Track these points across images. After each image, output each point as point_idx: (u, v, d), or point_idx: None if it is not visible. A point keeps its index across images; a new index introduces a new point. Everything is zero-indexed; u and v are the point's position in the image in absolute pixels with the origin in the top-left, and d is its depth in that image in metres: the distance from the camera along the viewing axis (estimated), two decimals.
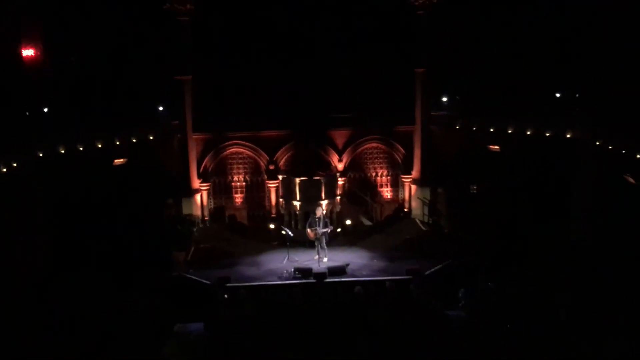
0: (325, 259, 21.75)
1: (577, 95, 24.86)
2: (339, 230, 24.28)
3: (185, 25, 25.18)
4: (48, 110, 23.70)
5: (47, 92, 24.77)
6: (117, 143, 24.41)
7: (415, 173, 27.08)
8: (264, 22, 26.29)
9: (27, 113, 23.65)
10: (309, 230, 21.93)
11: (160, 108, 25.86)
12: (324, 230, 21.75)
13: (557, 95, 24.78)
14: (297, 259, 22.04)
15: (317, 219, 21.82)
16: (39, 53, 24.95)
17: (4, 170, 20.83)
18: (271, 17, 26.28)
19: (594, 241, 22.07)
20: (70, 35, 25.73)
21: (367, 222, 26.55)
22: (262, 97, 26.13)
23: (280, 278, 20.61)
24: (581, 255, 21.70)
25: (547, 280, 19.58)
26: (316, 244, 21.80)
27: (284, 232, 22.83)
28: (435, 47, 25.76)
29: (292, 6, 26.22)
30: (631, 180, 21.34)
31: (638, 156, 21.11)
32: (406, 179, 27.32)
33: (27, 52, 24.67)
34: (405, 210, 27.27)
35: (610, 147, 21.96)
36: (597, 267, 20.36)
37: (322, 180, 24.56)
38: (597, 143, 22.41)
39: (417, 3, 25.10)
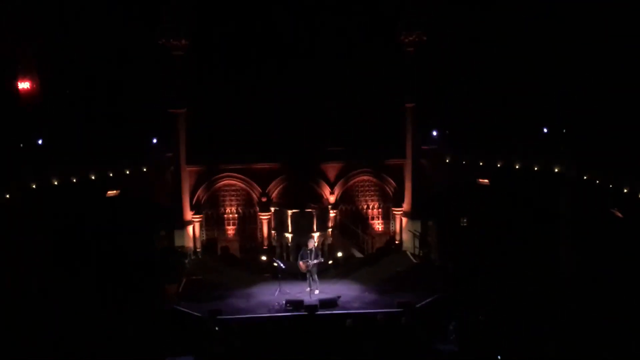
0: (316, 291, 21.84)
1: (564, 130, 25.41)
2: (330, 262, 24.42)
3: (180, 59, 25.66)
4: (42, 142, 23.91)
5: (41, 124, 25.05)
6: (110, 175, 24.58)
7: (406, 206, 27.39)
8: (257, 57, 26.79)
9: (22, 145, 23.83)
10: (301, 262, 22.07)
11: (154, 140, 26.12)
12: (315, 261, 21.90)
13: (545, 130, 25.32)
14: (288, 291, 22.11)
15: (308, 251, 21.98)
16: (34, 86, 25.28)
17: None
18: (264, 53, 26.77)
19: (581, 274, 22.36)
20: (65, 67, 26.09)
21: (358, 255, 26.73)
22: (255, 130, 26.51)
23: (271, 310, 20.68)
24: (568, 287, 21.96)
25: (536, 313, 19.78)
26: (308, 276, 21.92)
27: (275, 264, 22.95)
28: (424, 83, 26.36)
29: (285, 42, 26.75)
30: (619, 214, 21.69)
31: (625, 190, 21.48)
32: (397, 212, 27.60)
33: (23, 85, 24.99)
34: (397, 242, 27.49)
35: (597, 182, 22.38)
36: (584, 299, 20.60)
37: (314, 213, 24.79)
38: (585, 177, 22.83)
39: (406, 40, 25.74)
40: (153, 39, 25.18)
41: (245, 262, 25.87)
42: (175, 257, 25.15)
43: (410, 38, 25.73)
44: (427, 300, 21.05)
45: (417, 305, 20.65)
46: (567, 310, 20.13)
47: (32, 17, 25.11)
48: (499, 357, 17.22)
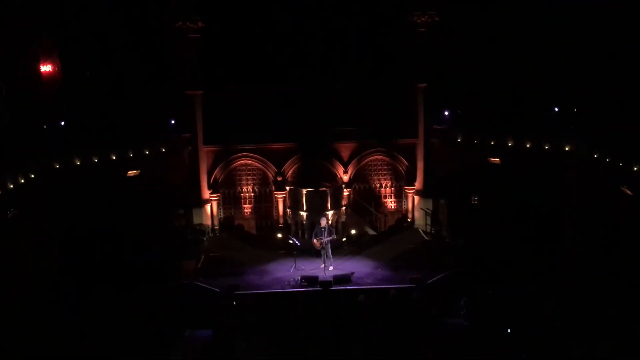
0: (330, 268, 22.55)
1: (574, 109, 25.57)
2: (344, 239, 25.07)
3: (196, 42, 26.20)
4: (64, 123, 24.61)
5: (64, 106, 25.72)
6: (131, 155, 25.27)
7: (418, 184, 27.90)
8: (271, 38, 27.14)
9: (45, 126, 24.54)
10: (314, 240, 22.71)
11: (172, 121, 26.75)
12: (329, 238, 22.54)
13: (556, 109, 25.52)
14: (303, 267, 22.84)
15: (322, 229, 22.61)
16: (56, 69, 25.90)
17: (22, 181, 21.67)
18: (278, 34, 27.12)
19: (589, 251, 22.80)
20: (85, 51, 26.64)
21: (371, 232, 27.35)
22: (270, 111, 26.98)
23: (287, 286, 21.41)
24: (577, 265, 22.46)
25: (543, 288, 20.30)
26: (322, 253, 22.58)
27: (291, 242, 23.64)
28: (436, 63, 26.67)
29: (300, 24, 27.06)
30: (628, 192, 21.97)
31: (635, 169, 21.70)
32: (409, 190, 28.13)
33: (45, 68, 25.62)
34: (409, 220, 28.05)
35: (607, 160, 22.60)
36: (591, 275, 21.10)
37: (328, 192, 25.39)
38: (595, 156, 23.07)
39: (418, 21, 26.07)
40: (170, 22, 25.75)
41: (261, 239, 26.58)
42: (194, 234, 25.96)
43: (422, 19, 26.07)
44: (438, 277, 21.68)
45: (428, 281, 21.31)
46: (575, 286, 20.66)
47: (52, 3, 25.61)
48: (508, 331, 17.79)
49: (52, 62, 25.77)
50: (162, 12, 26.03)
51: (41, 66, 25.58)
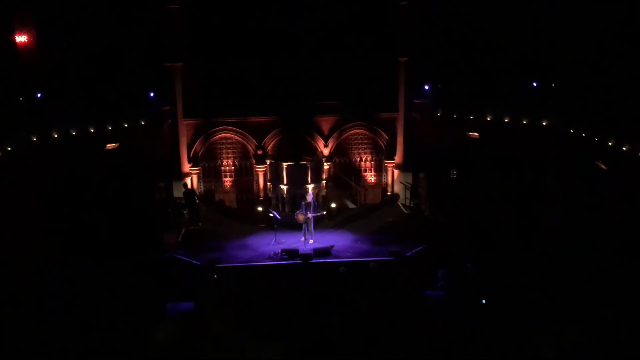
0: (311, 241, 22.76)
1: (552, 85, 25.82)
2: (324, 212, 25.27)
3: (176, 13, 25.86)
4: (41, 95, 24.20)
5: (40, 78, 25.25)
6: (109, 128, 25.00)
7: (397, 158, 28.12)
8: (252, 12, 26.83)
9: (21, 98, 24.11)
10: (298, 214, 22.82)
11: (152, 94, 26.47)
12: (315, 214, 22.72)
13: (534, 84, 25.74)
14: (284, 240, 23.03)
15: (307, 204, 22.75)
16: (31, 39, 25.35)
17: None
18: (259, 8, 26.80)
19: (566, 225, 23.28)
20: (61, 21, 26.09)
21: (351, 206, 27.57)
22: (251, 84, 26.87)
23: (268, 259, 21.60)
24: (553, 239, 22.92)
25: (520, 262, 20.74)
26: (303, 227, 22.75)
27: (271, 215, 23.76)
28: (417, 37, 26.66)
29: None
30: (603, 167, 22.39)
31: (610, 144, 22.09)
32: (389, 164, 28.33)
33: (20, 39, 25.08)
34: (389, 194, 28.30)
35: (583, 135, 22.97)
36: (568, 251, 21.57)
37: (309, 165, 25.48)
38: (571, 131, 23.42)
39: None
40: None
41: (242, 213, 26.65)
42: (175, 208, 25.92)
43: None
44: (417, 249, 22.00)
45: (407, 254, 21.62)
46: (551, 261, 21.12)
47: None
48: (483, 302, 18.23)
49: (27, 32, 25.22)
50: None
51: (16, 37, 25.03)
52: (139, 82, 26.19)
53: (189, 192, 25.54)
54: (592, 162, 22.70)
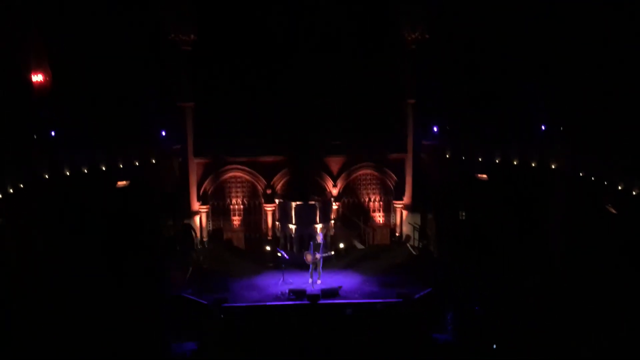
0: (319, 281, 22.65)
1: (561, 128, 25.98)
2: (332, 253, 25.19)
3: (188, 54, 26.38)
4: (55, 133, 24.61)
5: (54, 116, 25.71)
6: (120, 166, 25.30)
7: (406, 199, 28.15)
8: (262, 52, 27.35)
9: (35, 136, 24.53)
10: (307, 254, 22.74)
11: (163, 133, 26.85)
12: (324, 255, 22.69)
13: (543, 127, 25.93)
14: (291, 281, 22.92)
15: (318, 244, 22.71)
16: (47, 78, 25.92)
17: (11, 190, 21.62)
18: (269, 48, 27.34)
19: (575, 268, 23.06)
20: (77, 61, 26.66)
21: (360, 246, 27.49)
22: (261, 124, 27.22)
23: (275, 299, 21.47)
24: (562, 281, 22.68)
25: (530, 305, 20.51)
26: (311, 267, 22.66)
27: (279, 255, 23.71)
28: (425, 79, 27.01)
29: (290, 38, 27.28)
30: (613, 210, 22.30)
31: (619, 187, 22.07)
32: (398, 205, 28.34)
33: (37, 78, 25.63)
34: (397, 235, 28.24)
35: (592, 178, 22.97)
36: (577, 293, 21.32)
37: (317, 205, 25.55)
38: (580, 174, 23.44)
39: (409, 38, 26.45)
40: (163, 35, 25.91)
41: (250, 252, 26.63)
42: (183, 246, 25.94)
43: (413, 36, 26.43)
44: (425, 292, 21.80)
45: (416, 296, 21.43)
46: (560, 303, 20.87)
47: (44, 12, 25.62)
48: (494, 347, 17.98)
49: (43, 71, 25.77)
50: (155, 24, 26.15)
51: (32, 76, 25.57)
52: (152, 120, 26.57)
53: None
54: (602, 205, 22.60)
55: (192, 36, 26.02)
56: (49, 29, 26.19)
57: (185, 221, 26.87)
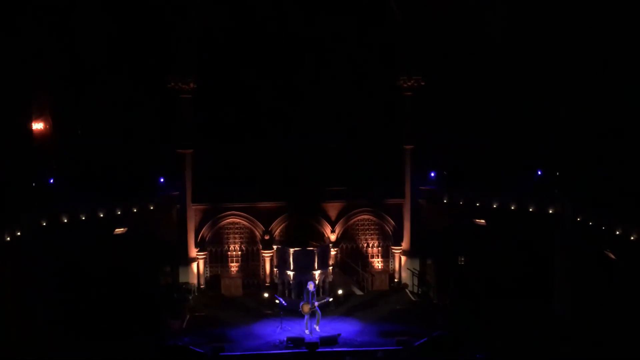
0: (317, 328, 22.38)
1: (557, 173, 26.14)
2: (330, 299, 24.98)
3: (188, 102, 26.73)
4: (54, 181, 24.71)
5: (53, 164, 25.86)
6: (118, 213, 25.30)
7: (405, 244, 28.09)
8: (261, 98, 27.75)
9: (34, 184, 24.60)
10: (304, 305, 22.45)
11: (162, 179, 26.96)
12: (322, 302, 22.48)
13: (539, 172, 26.11)
14: (289, 328, 22.65)
15: (311, 293, 22.54)
16: (47, 127, 26.20)
17: (8, 239, 21.57)
18: (268, 95, 27.74)
19: (575, 313, 22.89)
20: (77, 109, 27.00)
21: (358, 292, 27.29)
22: (259, 170, 27.38)
23: (273, 347, 21.18)
24: (562, 326, 22.50)
25: (531, 351, 20.27)
26: (306, 317, 22.36)
27: (277, 302, 23.51)
28: (422, 125, 27.31)
29: (287, 84, 27.71)
30: (612, 256, 22.26)
31: (617, 232, 22.05)
32: (396, 250, 28.27)
33: (37, 126, 25.92)
34: (396, 280, 28.08)
35: (590, 224, 22.97)
36: (578, 339, 21.13)
37: (315, 251, 25.46)
38: (578, 219, 23.46)
39: (405, 85, 26.91)
40: (163, 82, 26.31)
41: (248, 299, 26.39)
42: (180, 293, 25.75)
43: (409, 83, 26.89)
44: (426, 339, 21.53)
45: (416, 344, 21.16)
46: (562, 350, 20.65)
47: (46, 61, 26.08)
48: None
49: (44, 120, 26.06)
50: (155, 72, 26.58)
51: (33, 124, 25.84)
52: (151, 167, 26.72)
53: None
54: (601, 250, 22.56)
55: (191, 84, 26.43)
56: (52, 77, 26.64)
57: (182, 269, 26.75)
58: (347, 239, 28.39)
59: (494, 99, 27.97)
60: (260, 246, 27.79)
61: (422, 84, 27.00)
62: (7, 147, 24.24)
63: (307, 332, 22.23)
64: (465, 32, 27.81)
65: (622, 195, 22.77)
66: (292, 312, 23.44)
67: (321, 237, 27.66)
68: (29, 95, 26.12)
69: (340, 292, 25.94)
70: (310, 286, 22.80)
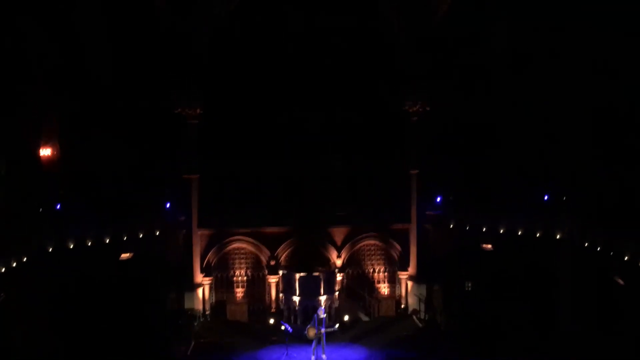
0: (324, 356, 22.18)
1: (564, 198, 26.04)
2: (337, 326, 24.80)
3: (194, 127, 26.89)
4: (60, 206, 24.83)
5: (60, 190, 25.99)
6: (125, 238, 25.35)
7: (411, 270, 27.92)
8: (267, 124, 27.88)
9: (41, 209, 24.74)
10: (310, 329, 22.32)
11: (168, 204, 27.04)
12: (328, 329, 22.32)
13: (546, 197, 26.01)
14: (295, 355, 22.46)
15: (321, 319, 22.40)
16: (55, 153, 26.39)
17: (14, 264, 21.61)
18: (274, 120, 27.88)
19: (583, 339, 22.59)
20: (84, 134, 27.18)
21: (365, 318, 27.08)
22: (265, 195, 27.42)
23: None
24: (571, 353, 22.19)
25: None
26: (313, 342, 22.20)
27: (283, 328, 23.35)
28: (428, 149, 27.33)
29: (294, 110, 27.86)
30: (620, 281, 22.04)
31: (626, 258, 21.86)
32: (403, 276, 28.10)
33: (45, 152, 26.12)
34: (402, 307, 27.87)
35: (598, 249, 22.80)
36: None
37: (321, 277, 25.35)
38: (586, 244, 23.30)
39: (410, 110, 27.00)
40: (170, 107, 26.53)
41: (254, 325, 26.24)
42: (186, 319, 25.66)
43: (414, 108, 26.96)
44: None
45: None
46: None
47: (56, 88, 26.32)
48: None
49: (52, 146, 26.26)
50: (161, 97, 26.78)
51: (41, 150, 26.04)
52: (157, 192, 26.82)
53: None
54: (609, 276, 22.35)
55: (198, 110, 26.63)
56: (60, 103, 26.86)
57: (187, 295, 26.66)
58: (353, 264, 28.26)
59: (501, 123, 27.95)
60: (266, 271, 27.70)
61: (427, 108, 27.07)
62: (16, 174, 24.41)
63: (313, 358, 22.02)
64: (468, 54, 27.77)
65: (633, 219, 22.64)
66: (299, 338, 23.26)
67: (327, 262, 27.55)
68: (39, 121, 26.35)
69: (346, 318, 25.72)
70: (321, 312, 22.68)
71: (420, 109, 27.04)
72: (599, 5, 24.43)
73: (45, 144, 26.17)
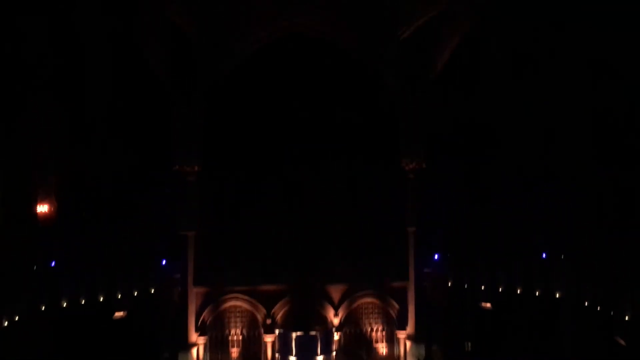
0: None
1: (562, 256, 25.91)
2: None
3: (192, 184, 26.94)
4: (55, 264, 24.65)
5: (56, 247, 25.85)
6: (119, 296, 25.06)
7: (409, 329, 27.44)
8: (264, 182, 27.95)
9: (35, 267, 24.55)
10: None
11: (164, 261, 26.84)
12: None
13: (543, 255, 25.89)
14: None
15: None
16: (52, 209, 26.35)
17: (6, 324, 21.30)
18: (271, 178, 27.97)
19: None
20: (81, 191, 27.21)
21: None
22: (261, 252, 27.22)
23: None
24: None
25: None
26: None
27: None
28: (425, 207, 27.32)
29: (292, 168, 27.99)
30: (622, 342, 21.72)
31: (626, 318, 21.61)
32: (401, 335, 27.60)
33: (41, 209, 26.09)
34: None
35: (598, 308, 22.58)
36: None
37: (318, 336, 24.91)
38: (585, 303, 23.08)
39: (407, 168, 27.14)
40: (167, 165, 26.64)
41: None
42: None
43: (411, 166, 27.10)
44: None
45: None
46: None
47: (52, 144, 26.51)
48: None
49: (49, 202, 26.24)
50: (160, 155, 26.96)
51: (37, 206, 26.02)
52: (153, 249, 26.67)
53: None
54: (609, 336, 22.05)
55: (196, 167, 26.74)
56: (56, 160, 26.98)
57: (181, 355, 26.14)
58: (351, 322, 27.77)
59: (497, 181, 28.07)
60: (262, 330, 27.20)
61: (424, 166, 27.22)
62: (11, 230, 24.30)
63: None
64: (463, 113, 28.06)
65: (630, 278, 22.47)
66: None
67: (324, 320, 27.08)
68: (36, 178, 26.42)
69: None
70: None
71: (417, 167, 27.16)
72: (599, 5, 24.54)
73: (42, 200, 26.17)
